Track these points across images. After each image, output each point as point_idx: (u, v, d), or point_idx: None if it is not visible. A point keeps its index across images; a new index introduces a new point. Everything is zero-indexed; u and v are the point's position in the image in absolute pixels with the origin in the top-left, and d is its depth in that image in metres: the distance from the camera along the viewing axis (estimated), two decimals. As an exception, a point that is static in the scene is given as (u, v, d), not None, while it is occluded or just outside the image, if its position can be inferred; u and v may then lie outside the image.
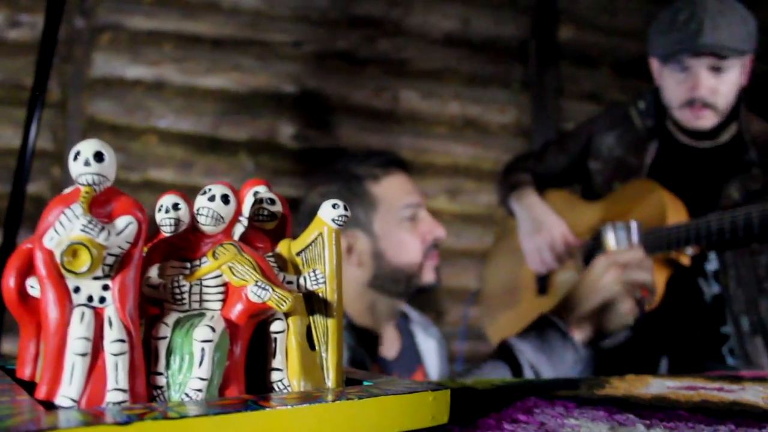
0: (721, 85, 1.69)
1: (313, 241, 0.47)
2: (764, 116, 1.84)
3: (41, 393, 0.37)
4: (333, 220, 0.46)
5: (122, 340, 0.38)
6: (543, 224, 1.90)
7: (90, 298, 0.38)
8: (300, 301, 0.46)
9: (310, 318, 0.46)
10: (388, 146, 2.88)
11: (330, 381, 0.46)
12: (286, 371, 0.44)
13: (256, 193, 0.51)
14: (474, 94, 3.00)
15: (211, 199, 0.44)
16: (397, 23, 2.93)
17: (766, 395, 0.62)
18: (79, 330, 0.37)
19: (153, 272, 0.44)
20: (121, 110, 2.66)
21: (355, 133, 2.86)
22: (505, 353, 1.01)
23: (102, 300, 0.38)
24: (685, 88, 1.71)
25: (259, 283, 0.42)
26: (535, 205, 1.97)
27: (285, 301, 0.42)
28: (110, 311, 0.38)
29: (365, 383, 0.48)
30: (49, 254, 0.37)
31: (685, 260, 1.69)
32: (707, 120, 1.73)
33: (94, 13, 2.65)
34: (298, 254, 0.48)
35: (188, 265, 0.44)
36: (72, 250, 0.37)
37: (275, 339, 0.45)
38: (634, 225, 1.10)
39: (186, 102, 2.72)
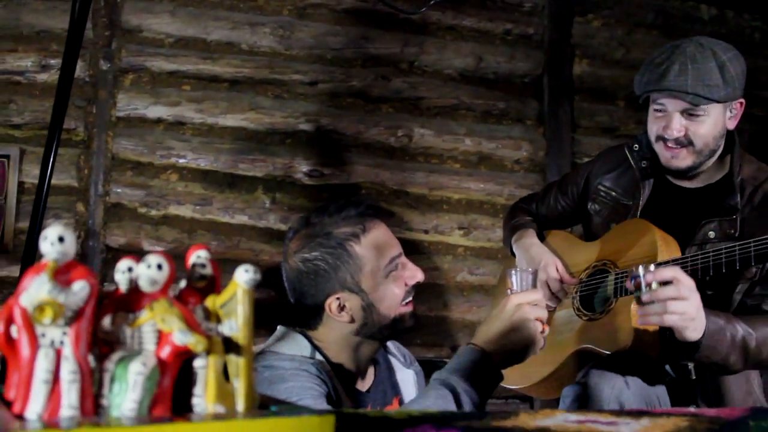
0: (697, 128, 1.81)
1: (230, 298, 0.64)
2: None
3: (16, 409, 0.55)
4: (245, 282, 0.63)
5: (75, 372, 0.55)
6: (539, 263, 2.02)
7: (52, 342, 0.55)
8: (219, 343, 0.63)
9: (227, 356, 0.63)
10: (402, 182, 3.06)
11: (240, 406, 0.62)
12: (204, 397, 0.61)
13: (198, 256, 0.69)
14: (488, 130, 3.16)
15: (148, 267, 0.61)
16: (411, 61, 3.12)
17: (637, 430, 0.76)
18: (43, 364, 0.54)
19: (106, 320, 0.61)
20: (143, 148, 2.89)
21: (370, 170, 3.05)
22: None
23: (61, 343, 0.55)
24: (659, 126, 1.83)
25: (182, 330, 0.59)
26: (533, 244, 2.10)
27: (201, 344, 0.59)
28: (67, 351, 0.55)
29: (272, 408, 0.64)
30: (24, 310, 0.54)
31: None
32: (683, 160, 1.84)
33: (118, 55, 2.90)
34: (220, 307, 0.65)
35: (131, 316, 0.61)
36: (40, 308, 0.54)
37: (197, 372, 0.61)
38: (531, 271, 1.37)
39: (205, 140, 2.94)
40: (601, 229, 2.04)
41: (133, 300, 0.62)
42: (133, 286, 0.62)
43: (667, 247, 1.83)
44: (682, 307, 1.52)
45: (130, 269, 0.63)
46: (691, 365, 1.80)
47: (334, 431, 0.63)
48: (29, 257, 1.70)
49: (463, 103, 3.16)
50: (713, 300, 1.78)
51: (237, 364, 0.63)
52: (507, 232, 2.25)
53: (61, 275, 0.56)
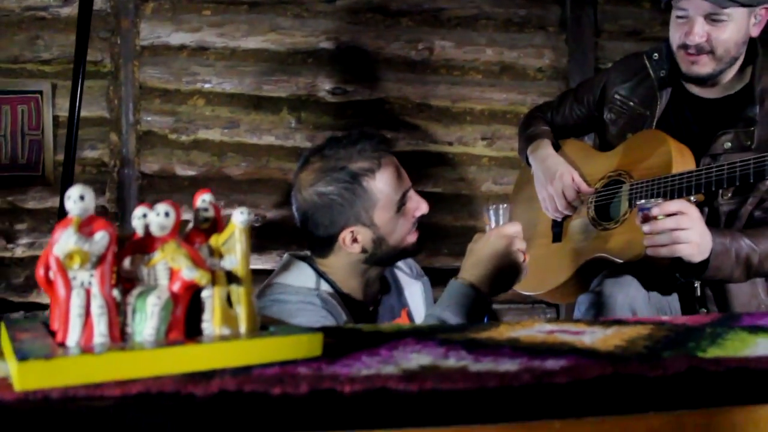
0: (720, 33, 1.83)
1: (230, 237, 0.76)
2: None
3: (58, 338, 0.68)
4: (241, 223, 0.75)
5: (102, 306, 0.68)
6: (555, 173, 2.09)
7: (82, 283, 0.68)
8: (222, 275, 0.75)
9: (229, 287, 0.76)
10: (425, 95, 3.12)
11: (243, 328, 0.75)
12: (212, 322, 0.74)
13: (203, 200, 0.81)
14: (509, 39, 3.18)
15: (157, 215, 0.73)
16: (430, -28, 3.13)
17: (598, 338, 0.87)
18: (76, 302, 0.67)
19: (126, 261, 0.74)
20: (169, 76, 3.00)
21: (392, 84, 3.12)
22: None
23: (90, 283, 0.68)
24: (681, 33, 1.86)
25: (189, 267, 0.72)
26: (549, 155, 2.17)
27: (205, 278, 0.71)
28: (95, 289, 0.68)
29: (270, 328, 0.77)
30: (57, 258, 0.67)
31: None
32: (703, 67, 1.88)
33: (138, -16, 2.97)
34: (222, 245, 0.77)
35: (146, 257, 0.73)
36: (69, 256, 0.67)
37: (204, 301, 0.74)
38: (506, 206, 1.47)
39: (228, 64, 3.03)
40: (617, 138, 2.09)
41: (147, 243, 0.74)
42: (147, 231, 0.74)
43: (682, 158, 1.88)
44: (687, 237, 1.63)
45: (144, 215, 0.75)
46: (697, 283, 1.89)
47: (322, 346, 0.76)
48: (66, 188, 1.87)
49: (483, 12, 3.17)
50: (725, 213, 1.86)
51: (238, 293, 0.75)
52: (522, 143, 2.31)
53: (85, 227, 0.68)
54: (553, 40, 3.21)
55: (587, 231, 2.05)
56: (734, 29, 1.83)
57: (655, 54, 2.07)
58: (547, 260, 2.16)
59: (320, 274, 1.58)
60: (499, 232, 1.42)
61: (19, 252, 2.93)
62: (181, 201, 2.92)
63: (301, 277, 1.56)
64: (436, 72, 3.15)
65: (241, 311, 0.75)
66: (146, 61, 2.99)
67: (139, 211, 0.75)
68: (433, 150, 3.14)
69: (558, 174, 2.08)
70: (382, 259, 1.58)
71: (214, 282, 0.74)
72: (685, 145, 1.91)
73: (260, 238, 3.04)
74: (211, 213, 0.79)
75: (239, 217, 0.75)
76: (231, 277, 0.76)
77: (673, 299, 1.92)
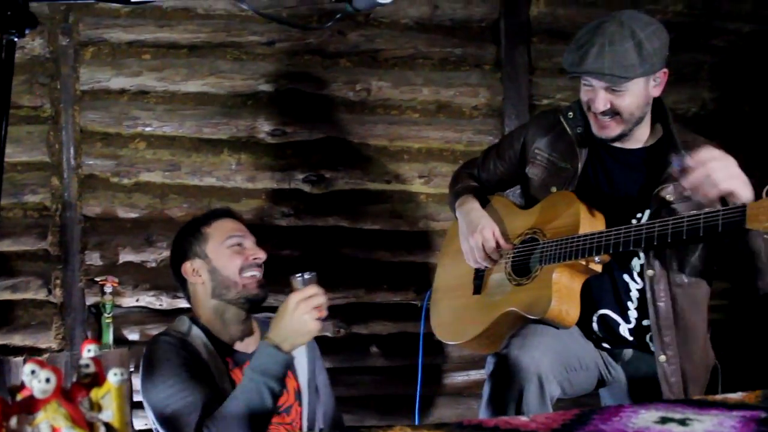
0: (621, 101, 2.00)
1: (107, 393, 0.88)
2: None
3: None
4: (116, 383, 0.87)
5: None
6: (477, 226, 2.23)
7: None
8: (100, 426, 0.87)
9: (108, 438, 0.88)
10: (363, 135, 3.25)
11: (119, 473, 0.87)
12: (91, 472, 0.86)
13: (89, 350, 0.93)
14: (445, 78, 3.31)
15: (39, 381, 0.84)
16: (366, 14, 3.24)
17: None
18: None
19: (13, 421, 0.85)
20: (110, 119, 3.09)
21: (331, 125, 3.23)
22: None
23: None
24: (588, 98, 2.04)
25: (69, 427, 0.84)
26: (473, 209, 2.31)
27: (83, 438, 0.84)
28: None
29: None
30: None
31: (595, 267, 2.03)
32: (612, 130, 2.04)
33: (77, 29, 3.05)
34: (101, 398, 0.89)
35: (30, 417, 0.85)
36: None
37: (84, 454, 0.86)
38: (311, 275, 1.83)
39: (168, 107, 3.13)
40: (541, 191, 2.23)
41: (32, 403, 0.86)
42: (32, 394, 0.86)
43: (590, 219, 2.04)
44: (725, 168, 1.71)
45: (33, 372, 0.87)
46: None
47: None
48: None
49: (419, 51, 3.30)
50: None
51: (117, 444, 0.88)
52: (451, 197, 2.46)
53: None
54: (489, 79, 3.34)
55: (503, 285, 2.19)
56: (634, 96, 2.00)
57: (570, 113, 2.22)
58: (466, 311, 2.30)
59: (194, 322, 2.03)
60: (296, 296, 1.79)
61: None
62: (123, 243, 3.06)
63: (178, 324, 2.04)
64: (374, 112, 3.28)
65: (118, 461, 0.88)
66: (87, 105, 3.07)
67: (28, 368, 0.87)
68: (371, 188, 3.26)
69: (479, 228, 2.22)
70: (227, 295, 2.02)
71: (93, 433, 0.87)
72: (620, 194, 2.07)
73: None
74: (92, 369, 0.91)
75: (113, 378, 0.87)
76: (109, 429, 0.88)
77: (584, 354, 2.07)
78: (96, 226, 3.10)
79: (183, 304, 3.09)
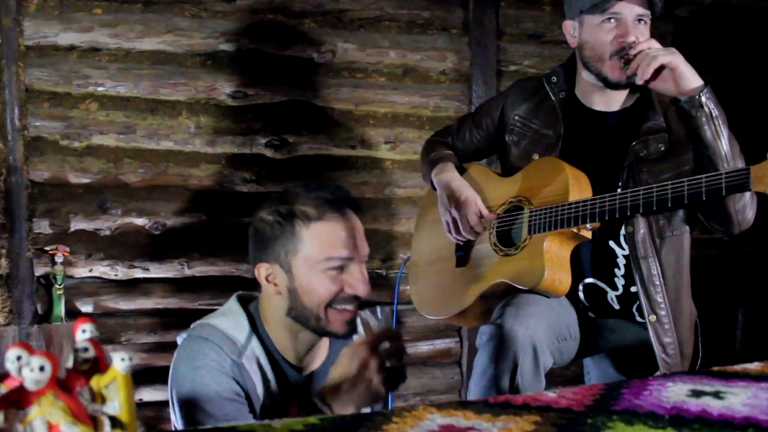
0: (643, 36, 1.92)
1: (111, 381, 0.74)
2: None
3: None
4: (122, 369, 0.73)
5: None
6: (459, 198, 2.12)
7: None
8: (105, 421, 0.74)
9: (113, 431, 0.74)
10: (328, 99, 3.10)
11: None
12: (94, 472, 0.73)
13: (83, 331, 0.79)
14: (412, 41, 3.18)
15: (32, 370, 0.70)
16: (333, -28, 3.08)
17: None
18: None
19: (0, 418, 0.71)
20: (58, 78, 2.86)
21: (294, 88, 3.07)
22: None
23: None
24: (613, 37, 1.92)
25: (67, 423, 0.70)
26: (453, 178, 2.19)
27: (84, 434, 0.70)
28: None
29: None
30: None
31: (586, 233, 1.95)
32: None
33: (19, -21, 2.80)
34: (104, 388, 0.75)
35: (21, 413, 0.71)
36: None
37: (86, 451, 0.73)
38: (380, 309, 1.46)
39: (122, 66, 2.91)
40: (521, 159, 2.13)
41: (22, 397, 0.71)
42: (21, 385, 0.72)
43: (579, 186, 1.95)
44: (668, 53, 1.78)
45: (18, 358, 0.72)
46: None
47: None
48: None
49: (386, 14, 3.16)
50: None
51: (122, 438, 0.74)
52: (426, 167, 2.33)
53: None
54: (456, 43, 3.23)
55: (489, 256, 2.09)
56: (648, 33, 1.94)
57: (554, 77, 2.14)
58: (450, 285, 2.19)
59: (254, 328, 1.57)
60: (358, 345, 1.39)
61: None
62: (75, 210, 2.84)
63: (236, 327, 1.56)
64: (339, 75, 3.13)
65: (125, 458, 0.74)
66: (32, 62, 2.83)
67: (12, 354, 0.73)
68: (336, 154, 3.13)
69: (462, 199, 2.11)
70: (304, 321, 1.55)
71: (96, 428, 0.73)
72: (600, 157, 1.99)
73: (159, 246, 2.97)
74: (91, 353, 0.77)
75: (120, 365, 0.73)
76: (114, 422, 0.75)
77: (573, 322, 2.01)
78: (44, 192, 2.88)
79: (140, 274, 2.93)
